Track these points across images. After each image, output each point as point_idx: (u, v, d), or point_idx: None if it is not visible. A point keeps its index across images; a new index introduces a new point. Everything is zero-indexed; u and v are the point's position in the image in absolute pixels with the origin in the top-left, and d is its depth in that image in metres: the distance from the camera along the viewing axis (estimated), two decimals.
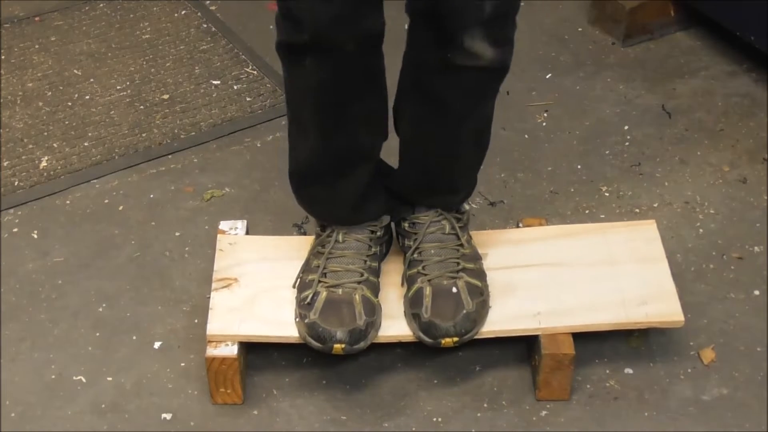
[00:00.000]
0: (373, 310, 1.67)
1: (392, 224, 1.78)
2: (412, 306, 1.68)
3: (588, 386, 1.74)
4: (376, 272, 1.73)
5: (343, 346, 1.62)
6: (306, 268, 1.73)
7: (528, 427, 1.68)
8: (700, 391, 1.73)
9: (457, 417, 1.70)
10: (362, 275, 1.69)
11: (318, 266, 1.70)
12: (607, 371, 1.76)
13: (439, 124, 1.63)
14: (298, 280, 1.73)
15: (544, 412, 1.70)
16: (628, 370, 1.76)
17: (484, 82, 1.59)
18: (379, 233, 1.73)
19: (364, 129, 1.63)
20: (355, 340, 1.63)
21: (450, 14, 1.48)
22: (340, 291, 1.67)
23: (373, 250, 1.72)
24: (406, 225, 1.74)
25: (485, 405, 1.72)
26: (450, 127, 1.63)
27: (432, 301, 1.65)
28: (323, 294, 1.67)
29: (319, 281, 1.68)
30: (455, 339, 1.64)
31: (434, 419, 1.70)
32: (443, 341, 1.64)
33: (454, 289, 1.67)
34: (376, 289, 1.71)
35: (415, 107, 1.64)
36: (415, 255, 1.71)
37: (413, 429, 1.69)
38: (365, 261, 1.71)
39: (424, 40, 1.55)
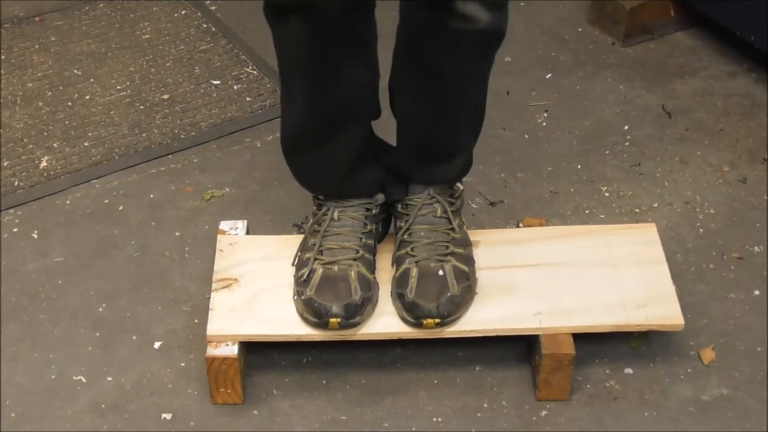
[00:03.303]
0: (368, 286, 1.69)
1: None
2: (398, 286, 1.70)
3: (588, 386, 1.74)
4: (372, 250, 1.75)
5: (338, 320, 1.64)
6: (303, 247, 1.75)
7: (528, 427, 1.68)
8: (700, 391, 1.73)
9: (457, 417, 1.70)
10: (358, 252, 1.71)
11: (314, 244, 1.72)
12: (607, 371, 1.76)
13: (436, 92, 1.63)
14: (296, 258, 1.75)
15: (544, 412, 1.71)
16: (628, 370, 1.77)
17: (480, 46, 1.59)
18: (374, 211, 1.75)
19: (351, 92, 1.63)
20: (350, 315, 1.65)
21: None
22: (335, 268, 1.69)
23: (368, 227, 1.74)
24: (399, 206, 1.75)
25: (485, 405, 1.72)
26: (447, 94, 1.63)
27: (417, 282, 1.67)
28: (319, 271, 1.69)
29: (315, 258, 1.70)
30: (437, 320, 1.65)
31: (434, 419, 1.70)
32: (425, 322, 1.65)
33: (441, 272, 1.68)
34: (371, 266, 1.73)
35: (412, 76, 1.64)
36: (405, 236, 1.73)
37: (413, 429, 1.69)
38: (360, 238, 1.72)
39: (418, 6, 1.55)
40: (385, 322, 1.70)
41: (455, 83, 1.62)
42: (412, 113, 1.69)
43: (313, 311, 1.66)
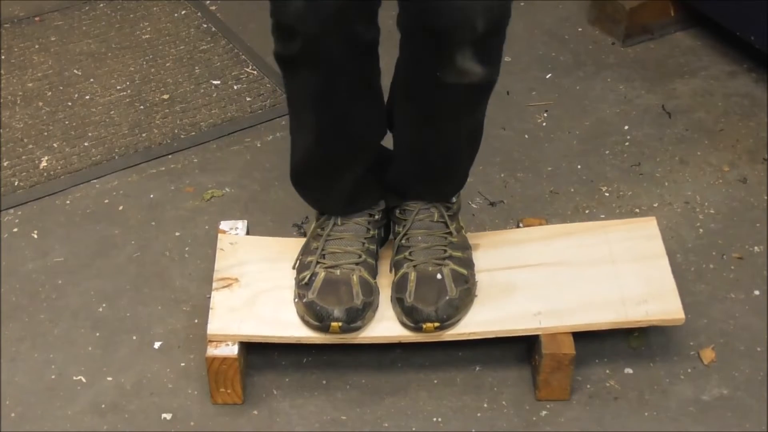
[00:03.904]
0: (370, 291, 1.69)
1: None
2: (397, 291, 1.70)
3: (588, 386, 1.74)
4: (374, 255, 1.75)
5: (340, 324, 1.65)
6: (305, 250, 1.75)
7: (528, 427, 1.68)
8: (700, 391, 1.73)
9: (457, 417, 1.70)
10: (360, 257, 1.71)
11: (317, 248, 1.72)
12: (607, 371, 1.76)
13: (431, 130, 1.65)
14: (298, 261, 1.75)
15: (544, 412, 1.71)
16: (628, 370, 1.77)
17: (473, 96, 1.61)
18: (377, 216, 1.76)
19: (361, 130, 1.65)
20: (351, 319, 1.66)
21: (443, 32, 1.49)
22: (338, 272, 1.69)
23: (371, 233, 1.74)
24: (397, 212, 1.76)
25: (485, 405, 1.72)
26: (442, 132, 1.65)
27: (416, 287, 1.68)
28: (321, 274, 1.69)
29: (318, 262, 1.71)
30: (436, 324, 1.66)
31: (434, 419, 1.70)
32: (425, 326, 1.66)
33: (439, 276, 1.69)
34: (373, 271, 1.73)
35: (407, 114, 1.66)
36: (403, 241, 1.73)
37: (413, 429, 1.69)
38: (363, 243, 1.73)
39: (416, 56, 1.56)
40: (385, 326, 1.70)
41: (448, 123, 1.64)
42: (405, 142, 1.70)
43: (314, 314, 1.66)
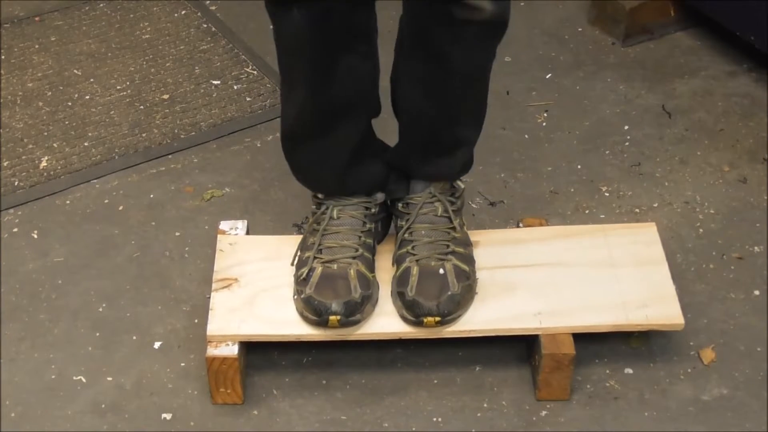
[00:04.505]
0: (368, 285, 1.69)
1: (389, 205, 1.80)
2: (399, 285, 1.70)
3: (588, 386, 1.74)
4: (371, 249, 1.75)
5: (338, 318, 1.65)
6: (302, 246, 1.75)
7: (528, 427, 1.68)
8: (700, 391, 1.73)
9: (457, 417, 1.70)
10: (357, 251, 1.71)
11: (313, 243, 1.73)
12: (607, 371, 1.76)
13: (441, 82, 1.63)
14: (296, 258, 1.75)
15: (544, 412, 1.71)
16: (628, 370, 1.77)
17: (484, 36, 1.59)
18: (373, 210, 1.76)
19: (351, 83, 1.63)
20: (350, 312, 1.66)
21: None
22: (335, 266, 1.69)
23: (367, 226, 1.74)
24: (400, 205, 1.76)
25: (485, 405, 1.72)
26: (451, 84, 1.63)
27: (418, 281, 1.68)
28: (318, 269, 1.69)
29: (315, 257, 1.71)
30: (437, 319, 1.65)
31: (434, 419, 1.70)
32: (425, 320, 1.66)
33: (441, 271, 1.69)
34: (371, 265, 1.73)
35: (416, 66, 1.64)
36: (406, 235, 1.73)
37: (413, 429, 1.69)
38: (360, 237, 1.73)
39: None
40: (385, 321, 1.70)
41: (459, 73, 1.62)
42: (414, 104, 1.68)
43: (312, 309, 1.66)
